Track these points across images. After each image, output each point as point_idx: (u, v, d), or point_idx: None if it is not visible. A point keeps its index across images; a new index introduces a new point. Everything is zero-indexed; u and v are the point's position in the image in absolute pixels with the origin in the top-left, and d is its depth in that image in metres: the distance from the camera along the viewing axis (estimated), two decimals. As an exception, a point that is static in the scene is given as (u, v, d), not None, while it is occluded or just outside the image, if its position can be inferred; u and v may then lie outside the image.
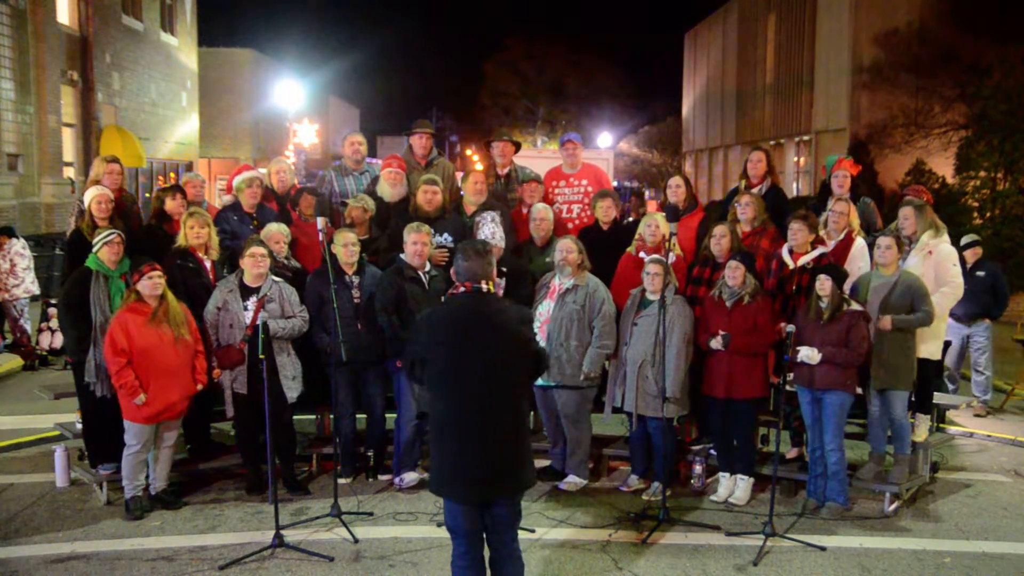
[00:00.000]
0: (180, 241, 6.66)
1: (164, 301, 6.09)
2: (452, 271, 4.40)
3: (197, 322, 6.39)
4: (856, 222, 6.78)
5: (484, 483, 4.16)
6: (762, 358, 6.39)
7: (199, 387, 6.28)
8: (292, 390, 6.51)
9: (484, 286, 4.28)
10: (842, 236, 6.72)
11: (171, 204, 7.17)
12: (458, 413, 4.17)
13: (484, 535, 4.29)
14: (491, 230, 6.75)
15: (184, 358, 6.16)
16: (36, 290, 11.52)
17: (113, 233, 6.38)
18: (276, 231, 6.94)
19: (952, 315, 8.97)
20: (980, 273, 8.93)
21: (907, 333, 6.30)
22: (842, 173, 7.17)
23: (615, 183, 24.01)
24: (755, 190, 7.25)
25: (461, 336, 4.22)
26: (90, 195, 6.83)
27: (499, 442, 4.18)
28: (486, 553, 4.33)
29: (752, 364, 6.32)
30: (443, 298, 6.62)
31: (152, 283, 6.02)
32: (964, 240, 9.06)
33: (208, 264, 6.72)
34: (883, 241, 6.37)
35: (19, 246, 11.30)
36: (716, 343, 6.27)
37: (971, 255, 8.96)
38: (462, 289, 4.31)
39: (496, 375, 4.19)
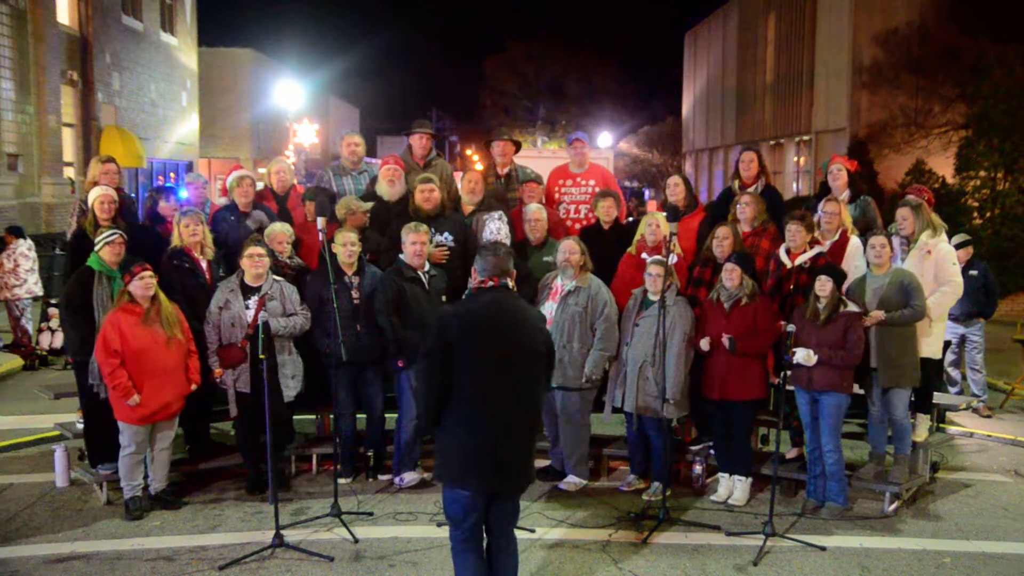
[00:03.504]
0: (175, 241, 6.66)
1: (156, 301, 6.09)
2: (473, 268, 4.43)
3: (194, 322, 6.40)
4: (849, 221, 6.77)
5: (497, 477, 4.20)
6: (760, 360, 6.39)
7: (192, 387, 6.29)
8: (290, 389, 6.51)
9: (510, 282, 4.34)
10: (837, 236, 6.71)
11: (164, 205, 7.17)
12: (479, 405, 4.17)
13: (484, 525, 4.34)
14: (496, 227, 6.75)
15: (177, 358, 6.16)
16: (39, 291, 11.55)
17: (115, 233, 6.38)
18: (280, 231, 6.95)
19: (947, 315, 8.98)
20: (973, 272, 8.96)
21: (908, 330, 6.30)
22: (836, 167, 7.16)
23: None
24: (750, 190, 7.23)
25: (489, 328, 4.22)
26: (94, 195, 6.82)
27: (516, 437, 4.23)
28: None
29: (748, 366, 6.32)
30: (444, 298, 6.63)
31: (144, 284, 6.02)
32: (955, 240, 9.06)
33: (204, 264, 6.72)
34: (875, 241, 6.37)
35: (25, 247, 11.34)
36: (724, 342, 6.25)
37: (963, 255, 8.97)
38: (490, 283, 4.32)
39: (520, 370, 4.23)
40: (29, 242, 11.56)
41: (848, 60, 24.20)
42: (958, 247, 8.97)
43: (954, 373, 9.25)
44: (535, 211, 7.22)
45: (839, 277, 6.22)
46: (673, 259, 6.46)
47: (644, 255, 6.85)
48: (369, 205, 7.14)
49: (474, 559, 4.29)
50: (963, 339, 9.22)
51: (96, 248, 6.37)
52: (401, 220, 6.96)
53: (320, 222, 6.08)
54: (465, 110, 66.21)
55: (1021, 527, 6.24)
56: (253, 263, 6.41)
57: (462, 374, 4.18)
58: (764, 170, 7.38)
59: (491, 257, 4.35)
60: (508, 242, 6.78)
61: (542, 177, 7.92)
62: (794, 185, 29.30)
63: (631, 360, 6.50)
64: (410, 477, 6.70)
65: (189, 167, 27.37)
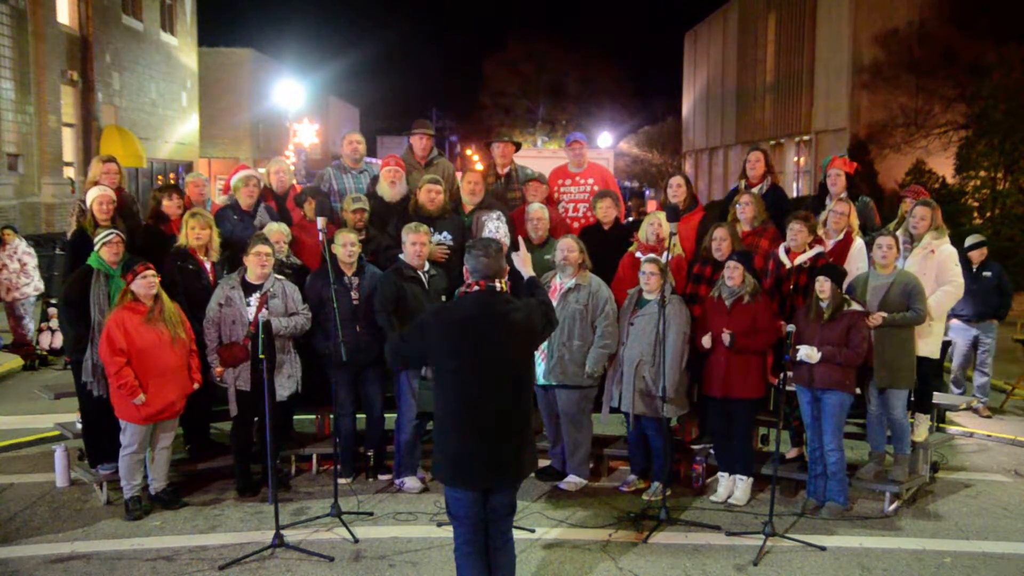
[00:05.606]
0: (181, 241, 6.66)
1: (159, 300, 6.09)
2: (465, 269, 4.43)
3: (196, 323, 6.39)
4: (856, 223, 6.79)
5: (487, 472, 4.28)
6: (759, 359, 6.39)
7: (195, 386, 6.28)
8: (284, 388, 6.48)
9: (497, 285, 4.35)
10: (841, 236, 6.72)
11: (168, 204, 7.16)
12: (466, 406, 4.25)
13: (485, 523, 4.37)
14: (495, 226, 6.75)
15: (181, 357, 6.16)
16: (43, 287, 11.59)
17: (112, 233, 6.37)
18: (277, 230, 6.94)
19: (960, 316, 8.95)
20: (987, 274, 8.89)
21: (907, 331, 6.30)
22: (834, 171, 7.19)
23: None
24: (755, 190, 7.26)
25: (473, 333, 4.28)
26: (92, 195, 6.82)
27: (504, 435, 4.27)
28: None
29: (749, 365, 6.32)
30: (444, 297, 6.63)
31: (146, 282, 6.01)
32: (970, 241, 9.03)
33: (208, 265, 6.72)
34: (883, 241, 6.38)
35: (24, 246, 11.36)
36: (724, 338, 6.24)
37: (977, 256, 8.92)
38: (476, 288, 4.35)
39: (505, 372, 4.28)
40: (26, 242, 11.60)
41: (848, 60, 24.22)
42: (973, 248, 8.94)
43: (962, 376, 9.21)
44: (537, 210, 7.23)
45: (838, 276, 6.22)
46: (668, 256, 6.46)
47: (638, 254, 6.85)
48: (360, 205, 7.12)
49: (476, 561, 4.32)
50: (975, 340, 9.16)
51: (95, 248, 6.37)
52: (401, 220, 6.97)
53: (320, 222, 6.08)
54: (465, 110, 66.21)
55: (1021, 527, 6.24)
56: (260, 261, 6.39)
57: (445, 376, 4.31)
58: (771, 170, 7.42)
59: (482, 257, 4.36)
60: (507, 241, 6.78)
61: (545, 176, 7.93)
62: (794, 185, 29.30)
63: (627, 360, 6.50)
64: (411, 484, 6.68)
65: (189, 167, 27.38)
